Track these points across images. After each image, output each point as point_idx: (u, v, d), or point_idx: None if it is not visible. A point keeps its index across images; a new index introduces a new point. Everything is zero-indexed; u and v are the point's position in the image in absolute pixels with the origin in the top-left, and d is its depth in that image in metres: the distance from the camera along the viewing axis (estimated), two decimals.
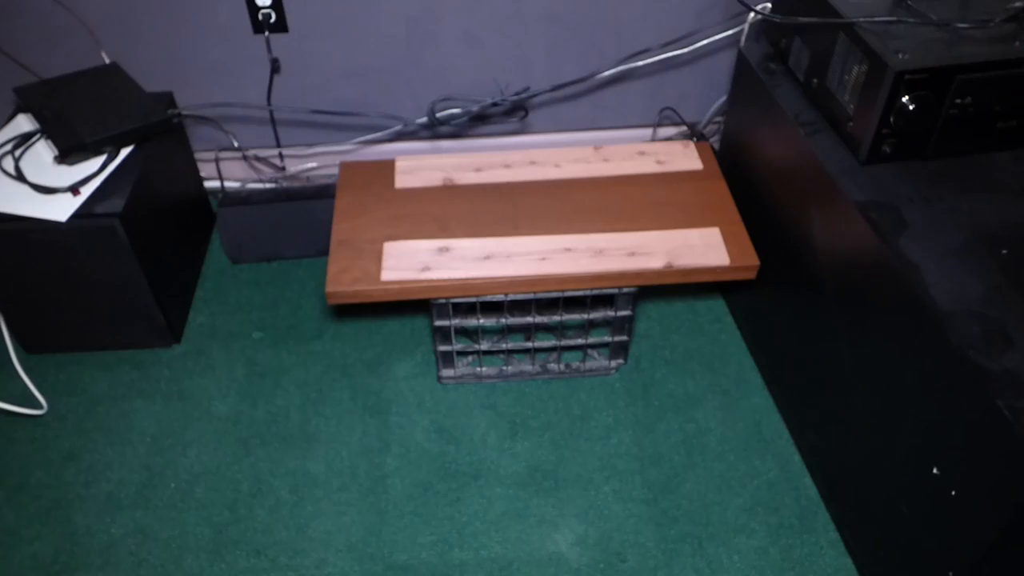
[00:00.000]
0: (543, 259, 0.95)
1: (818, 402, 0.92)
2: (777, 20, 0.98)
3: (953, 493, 0.70)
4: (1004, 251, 0.74)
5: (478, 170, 1.08)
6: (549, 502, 0.93)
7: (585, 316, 1.02)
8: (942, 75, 0.78)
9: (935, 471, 0.71)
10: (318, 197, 1.19)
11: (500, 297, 0.96)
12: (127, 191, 0.99)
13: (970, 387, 0.66)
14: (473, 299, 0.96)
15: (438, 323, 0.99)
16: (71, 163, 1.02)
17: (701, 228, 0.99)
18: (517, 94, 1.19)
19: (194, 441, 1.00)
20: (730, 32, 1.20)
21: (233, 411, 1.03)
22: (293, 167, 1.33)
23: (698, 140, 1.27)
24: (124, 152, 1.04)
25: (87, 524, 0.92)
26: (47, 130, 1.02)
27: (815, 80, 0.91)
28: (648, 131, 1.34)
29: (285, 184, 1.31)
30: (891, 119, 0.80)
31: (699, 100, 1.29)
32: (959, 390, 0.67)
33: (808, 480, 0.95)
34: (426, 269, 0.94)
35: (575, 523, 0.92)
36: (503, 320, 1.01)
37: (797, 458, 0.97)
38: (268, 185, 1.30)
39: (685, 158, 1.10)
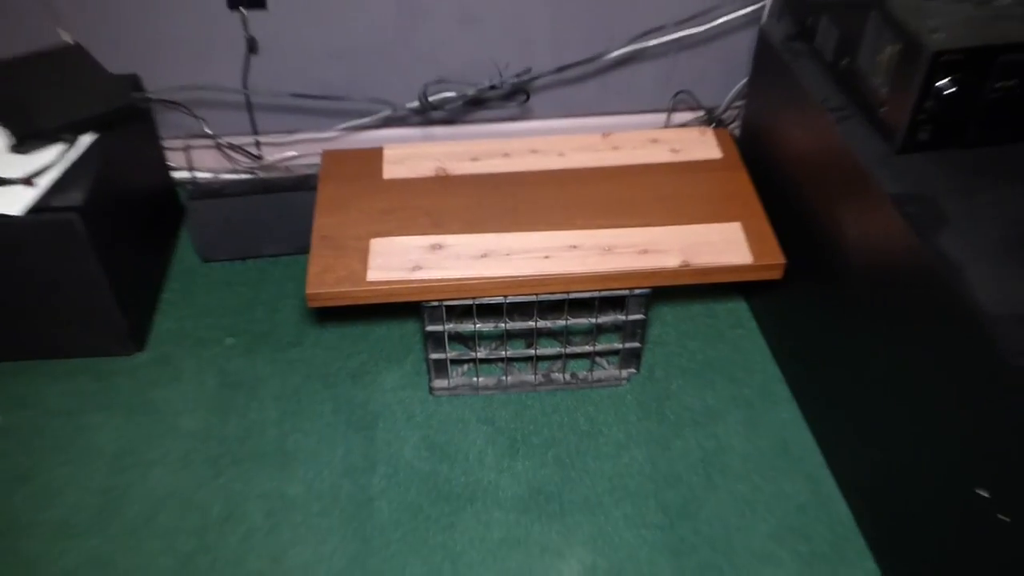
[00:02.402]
0: (546, 257, 0.95)
1: (853, 416, 0.92)
2: None
3: (1005, 519, 0.69)
4: None
5: (474, 159, 1.08)
6: (553, 528, 0.93)
7: (593, 320, 1.01)
8: (982, 56, 0.77)
9: (984, 494, 0.71)
10: (298, 189, 1.19)
11: (499, 299, 0.96)
12: (88, 183, 0.98)
13: (1020, 399, 0.65)
14: (469, 301, 0.96)
15: (430, 328, 0.99)
16: (26, 152, 1.02)
17: (721, 223, 0.98)
18: (517, 76, 1.19)
19: (158, 460, 0.99)
20: (750, 9, 1.20)
21: (202, 426, 1.03)
22: (271, 156, 1.33)
23: (716, 126, 1.27)
24: (85, 140, 1.04)
25: (38, 553, 0.91)
26: (0, 116, 1.02)
27: (844, 61, 0.91)
28: (661, 116, 1.33)
29: (262, 175, 1.31)
30: (927, 104, 0.80)
31: (717, 83, 1.29)
32: (1008, 402, 0.66)
33: (842, 503, 0.94)
34: (417, 268, 0.93)
35: (582, 552, 0.91)
36: (502, 325, 1.00)
37: (830, 479, 0.97)
38: (243, 176, 1.30)
39: (702, 146, 1.09)
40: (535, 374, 1.07)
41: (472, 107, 1.29)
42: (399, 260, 0.94)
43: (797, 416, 1.03)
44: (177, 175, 1.30)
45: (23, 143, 1.01)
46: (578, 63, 1.24)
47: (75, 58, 1.10)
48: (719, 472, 0.97)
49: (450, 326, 0.99)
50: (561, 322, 1.01)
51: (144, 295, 1.15)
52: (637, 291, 0.97)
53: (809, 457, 0.99)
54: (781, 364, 1.09)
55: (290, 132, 1.30)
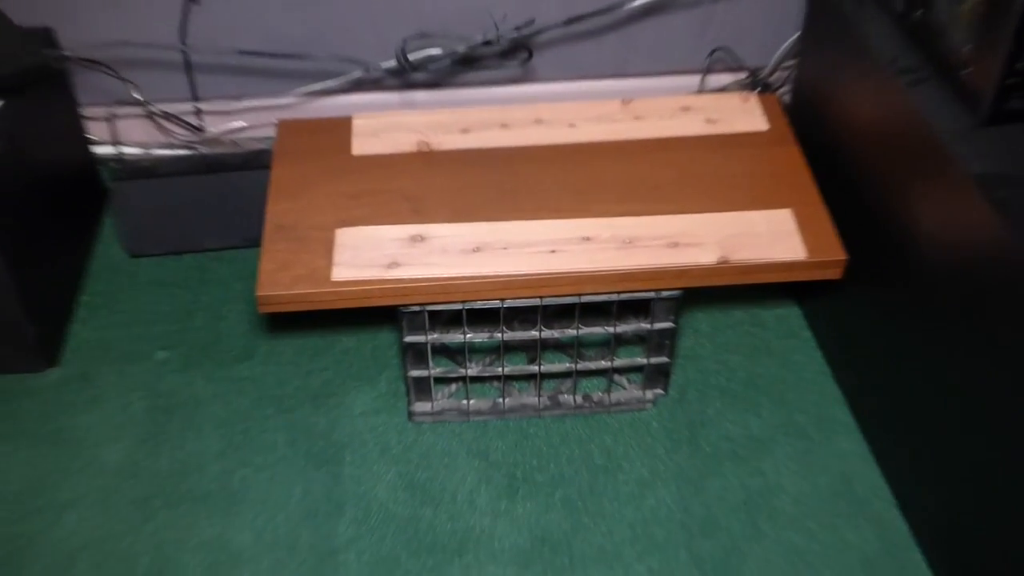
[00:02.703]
0: (552, 251, 0.94)
1: (931, 446, 0.91)
2: None
3: None
4: None
5: (465, 131, 1.08)
6: None
7: (610, 329, 1.01)
8: None
9: None
10: (247, 168, 1.19)
11: (495, 303, 0.96)
12: None
13: None
14: (458, 306, 0.96)
15: (410, 339, 0.98)
16: None
17: (767, 209, 0.98)
18: (518, 29, 1.19)
19: (74, 501, 0.99)
20: None
21: (128, 460, 1.02)
22: (214, 127, 1.33)
23: (762, 91, 1.27)
24: None
25: None
26: None
27: (918, 12, 0.92)
28: (695, 79, 1.34)
29: (203, 150, 1.32)
30: (1020, 65, 0.79)
31: (763, 38, 1.30)
32: None
33: (918, 555, 0.94)
34: (394, 265, 0.93)
35: None
36: (498, 335, 1.00)
37: (902, 525, 0.96)
38: (180, 152, 1.31)
39: (745, 115, 1.10)
40: (539, 396, 1.06)
41: (462, 67, 1.29)
42: (372, 255, 0.94)
43: (862, 447, 1.03)
44: (99, 150, 1.30)
45: None
46: (592, 13, 1.24)
47: None
48: (766, 517, 0.97)
49: (434, 336, 0.99)
50: (571, 332, 1.01)
51: (57, 298, 1.15)
52: (665, 293, 0.97)
53: (876, 497, 0.99)
54: (841, 383, 1.09)
55: (238, 98, 1.30)
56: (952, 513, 0.88)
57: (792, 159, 1.04)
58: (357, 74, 1.26)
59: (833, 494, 0.99)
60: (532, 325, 1.01)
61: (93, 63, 1.23)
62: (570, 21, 1.24)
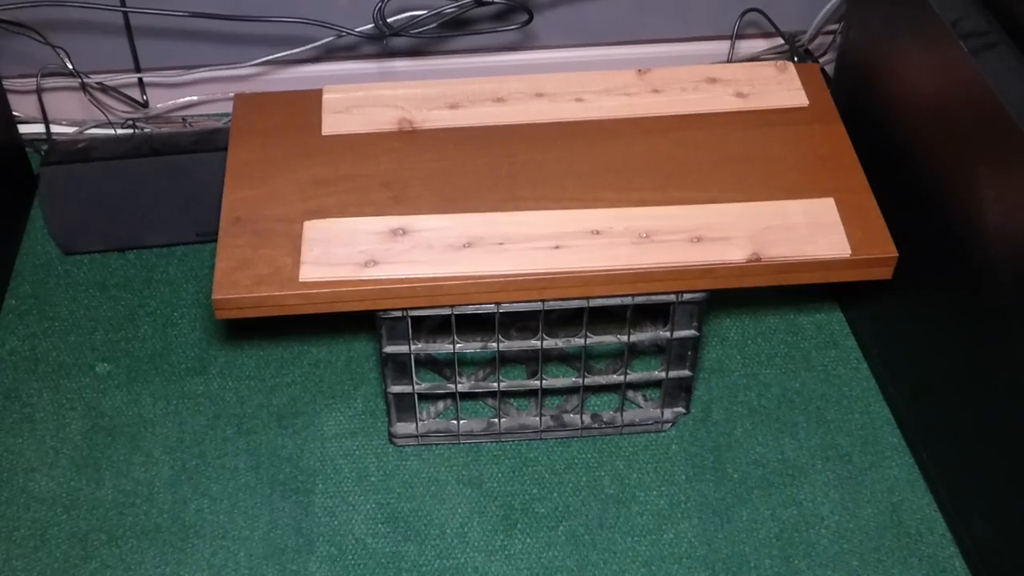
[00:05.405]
0: (556, 247, 0.95)
1: (994, 475, 0.92)
2: None
3: None
4: None
5: (453, 107, 1.09)
6: None
7: (623, 338, 1.02)
8: None
9: None
10: (200, 150, 1.19)
11: (489, 308, 0.97)
12: None
13: None
14: (446, 311, 0.96)
15: (390, 349, 0.99)
16: None
17: (806, 198, 0.99)
18: None
19: (3, 537, 0.99)
20: None
21: (64, 489, 1.03)
22: (161, 102, 1.33)
23: (801, 60, 1.27)
24: None
25: None
26: None
27: None
28: (723, 45, 1.34)
29: (148, 129, 1.31)
30: None
31: None
32: None
33: None
34: (371, 263, 0.94)
35: None
36: (493, 345, 1.01)
37: (959, 563, 0.98)
38: (121, 131, 1.30)
39: (780, 89, 1.10)
40: (540, 415, 1.07)
41: (450, 31, 1.28)
42: (345, 251, 0.95)
43: (914, 473, 1.04)
44: (25, 129, 1.30)
45: None
46: None
47: None
48: (802, 554, 0.98)
49: (418, 346, 1.00)
50: (578, 341, 1.02)
51: None
52: (687, 296, 0.98)
53: (930, 532, 1.00)
54: (890, 400, 1.09)
55: (188, 68, 1.30)
56: (1018, 552, 0.89)
57: (836, 139, 1.04)
58: (328, 39, 1.26)
59: (880, 528, 1.00)
60: (532, 333, 1.01)
61: (15, 25, 1.22)
62: None
